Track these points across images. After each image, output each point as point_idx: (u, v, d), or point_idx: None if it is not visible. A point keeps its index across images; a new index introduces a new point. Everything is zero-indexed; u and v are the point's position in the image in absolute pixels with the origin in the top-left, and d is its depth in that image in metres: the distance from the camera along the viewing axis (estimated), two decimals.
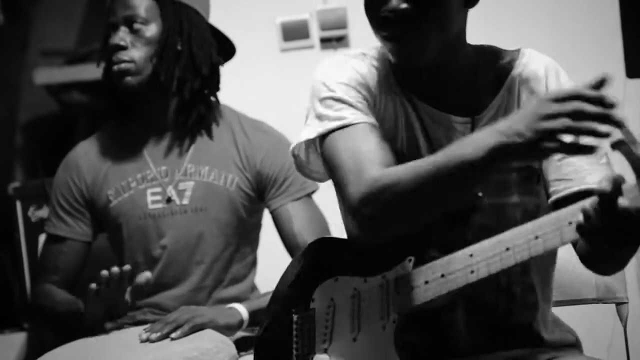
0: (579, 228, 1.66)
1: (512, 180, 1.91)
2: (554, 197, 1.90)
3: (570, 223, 1.69)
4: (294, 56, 3.50)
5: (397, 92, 1.96)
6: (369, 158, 1.82)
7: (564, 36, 3.39)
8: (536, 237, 1.73)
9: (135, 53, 2.63)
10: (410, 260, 1.91)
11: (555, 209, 1.84)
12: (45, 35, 4.50)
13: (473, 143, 1.67)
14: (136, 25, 2.64)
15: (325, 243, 2.07)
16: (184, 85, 2.66)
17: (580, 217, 1.65)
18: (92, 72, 3.11)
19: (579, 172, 1.88)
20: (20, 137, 4.50)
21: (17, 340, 3.44)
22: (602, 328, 2.84)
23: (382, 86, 1.96)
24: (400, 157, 1.90)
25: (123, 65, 2.62)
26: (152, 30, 2.65)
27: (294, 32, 3.49)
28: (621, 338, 2.39)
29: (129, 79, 2.62)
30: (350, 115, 1.88)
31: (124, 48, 2.62)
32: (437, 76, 1.93)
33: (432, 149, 1.89)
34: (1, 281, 3.80)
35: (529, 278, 1.96)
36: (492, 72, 1.95)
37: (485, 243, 1.80)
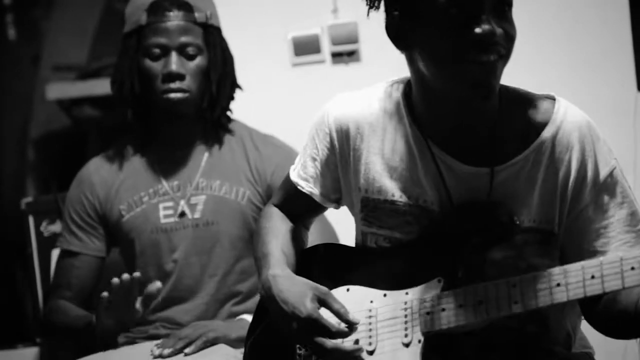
0: None
1: (529, 240, 1.87)
2: None
3: (632, 268, 1.68)
4: (305, 71, 3.50)
5: (413, 138, 1.92)
6: (276, 198, 2.16)
7: (577, 50, 3.39)
8: (592, 277, 1.71)
9: (191, 83, 2.64)
10: (440, 280, 1.88)
11: None
12: (57, 51, 4.52)
13: (265, 268, 1.99)
14: (191, 54, 2.64)
15: (332, 249, 2.08)
16: (224, 110, 2.72)
17: None
18: (104, 87, 3.12)
19: (614, 244, 1.84)
20: (32, 151, 4.51)
21: (29, 355, 3.44)
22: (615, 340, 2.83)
23: (395, 130, 1.94)
24: (412, 203, 1.91)
25: (180, 95, 2.63)
26: (203, 59, 2.66)
27: (305, 47, 3.50)
28: (634, 349, 2.38)
29: (183, 107, 2.65)
30: (295, 174, 2.09)
31: (182, 77, 2.64)
32: (461, 121, 1.87)
33: (446, 196, 1.89)
34: (14, 296, 3.82)
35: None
36: (520, 122, 1.88)
37: (529, 277, 1.78)
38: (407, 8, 1.83)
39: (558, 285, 1.74)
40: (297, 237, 2.12)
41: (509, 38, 1.80)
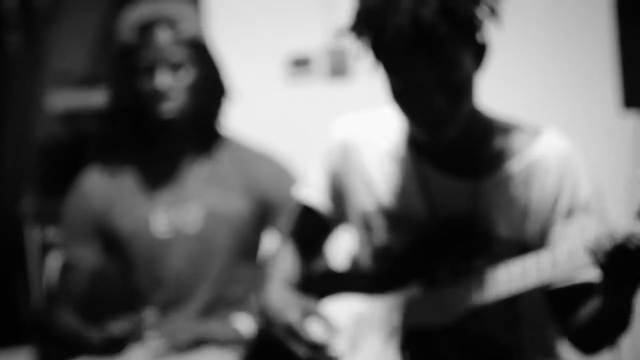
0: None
1: (507, 252, 1.96)
2: (551, 287, 1.93)
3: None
4: (301, 87, 3.52)
5: (405, 155, 2.03)
6: (291, 230, 2.22)
7: (559, 67, 3.40)
8: (553, 266, 1.82)
9: (179, 98, 2.67)
10: (421, 285, 1.99)
11: (548, 300, 1.95)
12: (59, 60, 4.54)
13: (269, 291, 2.12)
14: (178, 70, 2.68)
15: (323, 273, 2.19)
16: (215, 123, 2.77)
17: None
18: (104, 96, 3.16)
19: None
20: (31, 158, 4.54)
21: (22, 355, 3.46)
22: None
23: (390, 146, 2.05)
24: (402, 216, 2.02)
25: (167, 112, 2.67)
26: (191, 75, 2.69)
27: (301, 64, 3.53)
28: None
29: (172, 123, 2.69)
30: (302, 189, 2.17)
31: (169, 94, 2.67)
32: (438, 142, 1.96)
33: (434, 210, 1.99)
34: (9, 298, 3.83)
35: (515, 307, 2.00)
36: (505, 142, 1.98)
37: (502, 267, 1.89)
38: (375, 49, 1.96)
39: (524, 274, 1.85)
40: (301, 265, 2.21)
41: (456, 94, 1.87)
